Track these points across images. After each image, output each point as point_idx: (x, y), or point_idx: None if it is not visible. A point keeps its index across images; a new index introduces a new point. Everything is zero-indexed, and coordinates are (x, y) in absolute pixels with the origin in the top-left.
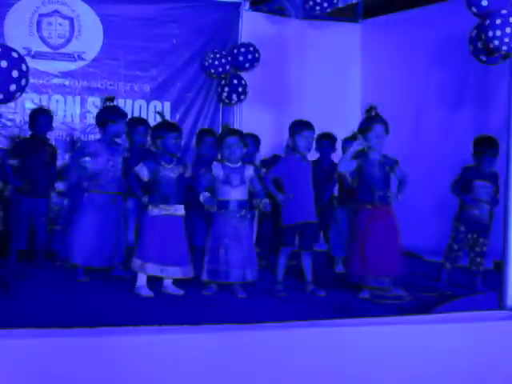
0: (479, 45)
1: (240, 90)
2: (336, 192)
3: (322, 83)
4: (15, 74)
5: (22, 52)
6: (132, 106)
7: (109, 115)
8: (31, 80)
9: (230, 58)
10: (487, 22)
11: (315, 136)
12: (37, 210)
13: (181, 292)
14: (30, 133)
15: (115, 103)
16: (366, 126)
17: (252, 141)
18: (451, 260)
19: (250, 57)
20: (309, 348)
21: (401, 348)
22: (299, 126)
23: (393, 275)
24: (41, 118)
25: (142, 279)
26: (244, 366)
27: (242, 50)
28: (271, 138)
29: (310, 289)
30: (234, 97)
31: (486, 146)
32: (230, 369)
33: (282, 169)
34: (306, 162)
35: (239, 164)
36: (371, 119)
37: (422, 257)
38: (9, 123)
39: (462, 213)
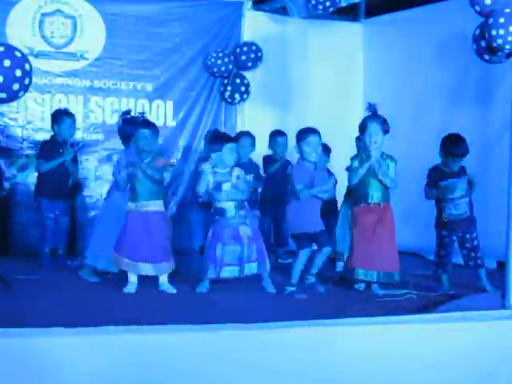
0: (482, 43)
1: (243, 89)
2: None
3: (324, 82)
4: (18, 73)
5: (25, 51)
6: (135, 106)
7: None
8: (34, 79)
9: (232, 57)
10: (490, 20)
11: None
12: (59, 211)
13: (174, 290)
14: (51, 134)
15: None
16: (360, 127)
17: (249, 140)
18: (443, 266)
19: (252, 56)
20: (308, 347)
21: (402, 347)
22: (302, 134)
23: (381, 269)
24: (67, 120)
25: (130, 276)
26: (243, 365)
27: (245, 49)
28: None
29: (310, 280)
30: (237, 96)
31: (453, 146)
32: (230, 368)
33: (297, 175)
34: (315, 169)
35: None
36: (365, 119)
37: (425, 257)
38: (11, 122)
39: (440, 217)
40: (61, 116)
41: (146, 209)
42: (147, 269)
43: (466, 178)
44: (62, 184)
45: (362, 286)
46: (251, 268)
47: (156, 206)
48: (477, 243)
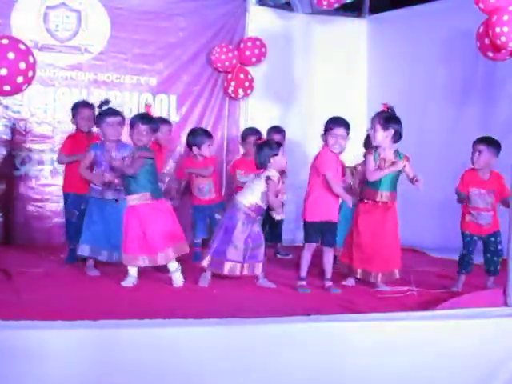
0: (486, 41)
1: (246, 84)
2: None
3: (328, 78)
4: (22, 66)
5: (29, 44)
6: (138, 100)
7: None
8: (38, 72)
9: (236, 53)
10: (494, 18)
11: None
12: (85, 205)
13: (180, 283)
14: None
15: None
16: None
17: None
18: (464, 266)
19: (256, 51)
20: (309, 343)
21: (403, 344)
22: (329, 124)
23: (381, 271)
24: (84, 112)
25: (130, 269)
26: (245, 360)
27: (249, 44)
28: None
29: (327, 285)
30: (241, 91)
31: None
32: (232, 363)
33: (328, 163)
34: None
35: None
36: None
37: (426, 253)
38: (15, 115)
39: (463, 219)
40: (77, 108)
41: (133, 202)
42: (144, 260)
43: (493, 191)
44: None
45: (351, 282)
46: (254, 267)
47: (139, 199)
48: (500, 248)
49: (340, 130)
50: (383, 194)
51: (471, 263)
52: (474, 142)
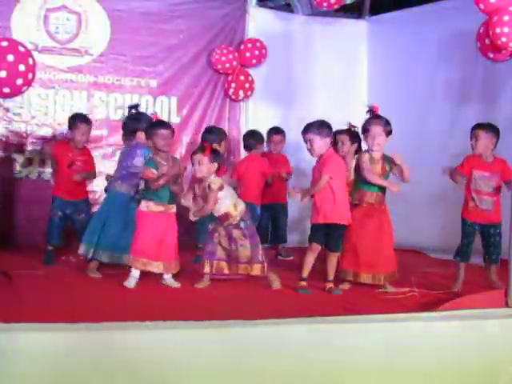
0: (486, 41)
1: (247, 85)
2: None
3: (328, 79)
4: (22, 68)
5: (29, 46)
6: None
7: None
8: (38, 75)
9: (236, 54)
10: (495, 18)
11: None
12: (74, 209)
13: (178, 285)
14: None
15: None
16: (363, 128)
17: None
18: (462, 254)
19: (256, 53)
20: (310, 344)
21: (404, 345)
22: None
23: (369, 272)
24: (81, 126)
25: (133, 271)
26: (246, 361)
27: (249, 45)
28: None
29: (328, 287)
30: (241, 93)
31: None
32: (232, 364)
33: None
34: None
35: None
36: (368, 120)
37: (427, 254)
38: (15, 118)
39: (465, 206)
40: (74, 121)
41: (168, 210)
42: (158, 266)
43: (497, 174)
44: (77, 185)
45: (346, 286)
46: (247, 268)
47: (174, 208)
48: (499, 239)
49: (305, 136)
50: (368, 197)
51: (469, 253)
52: (472, 129)
